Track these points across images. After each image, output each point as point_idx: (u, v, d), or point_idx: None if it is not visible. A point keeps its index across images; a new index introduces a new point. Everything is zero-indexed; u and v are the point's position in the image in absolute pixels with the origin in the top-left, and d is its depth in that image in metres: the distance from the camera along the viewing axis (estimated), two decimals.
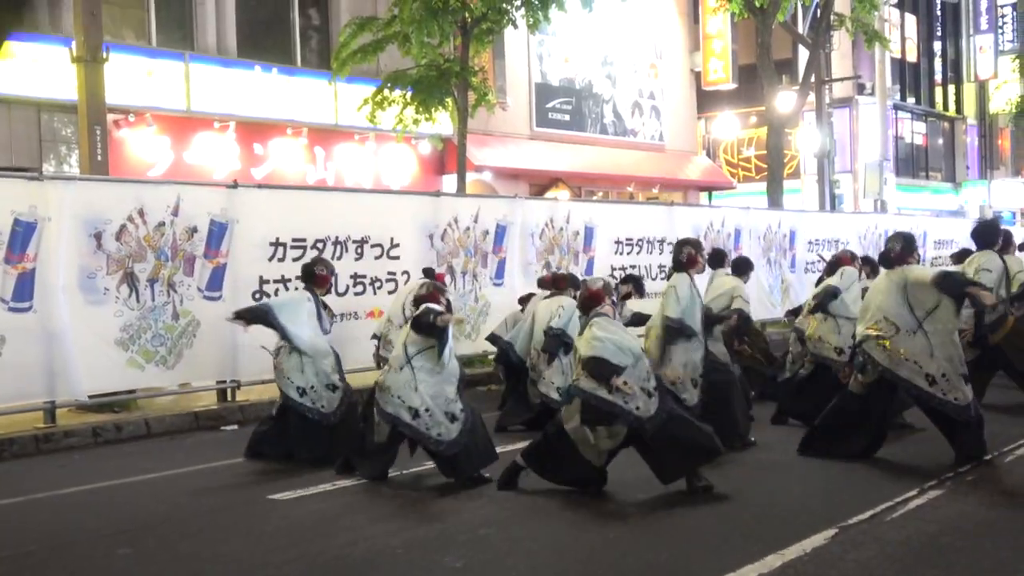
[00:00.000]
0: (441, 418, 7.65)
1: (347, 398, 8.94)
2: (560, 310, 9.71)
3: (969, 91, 42.95)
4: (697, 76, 31.68)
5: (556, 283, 10.33)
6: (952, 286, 7.78)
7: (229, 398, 11.32)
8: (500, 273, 13.97)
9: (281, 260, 11.48)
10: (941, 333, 7.84)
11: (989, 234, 10.72)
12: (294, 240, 11.60)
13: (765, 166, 24.90)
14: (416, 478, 8.00)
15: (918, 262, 8.52)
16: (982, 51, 42.12)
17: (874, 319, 8.08)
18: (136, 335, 10.28)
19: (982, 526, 6.35)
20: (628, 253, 15.92)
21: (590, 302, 7.49)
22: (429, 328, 7.69)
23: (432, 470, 7.98)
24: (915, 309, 7.92)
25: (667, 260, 16.72)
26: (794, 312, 12.09)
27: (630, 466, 7.38)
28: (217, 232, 10.91)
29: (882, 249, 8.61)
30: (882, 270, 8.50)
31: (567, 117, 26.96)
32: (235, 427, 10.72)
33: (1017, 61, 37.87)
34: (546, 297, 10.28)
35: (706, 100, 33.42)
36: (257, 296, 11.18)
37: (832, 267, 10.65)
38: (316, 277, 9.20)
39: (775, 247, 18.66)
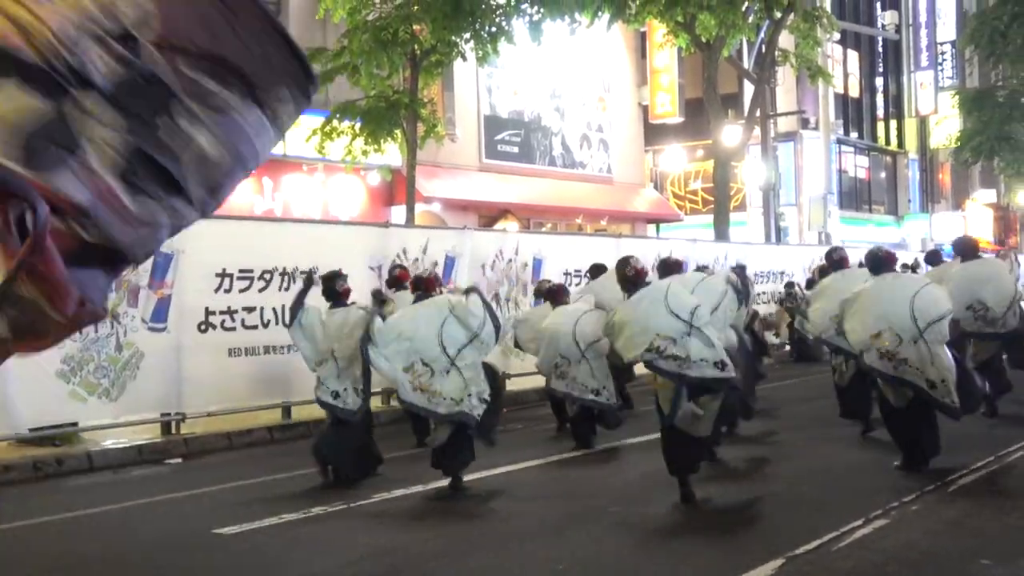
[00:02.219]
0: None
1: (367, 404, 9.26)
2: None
3: (910, 126, 43.72)
4: (645, 110, 31.98)
5: (555, 295, 11.15)
6: None
7: (173, 431, 11.17)
8: None
9: (228, 291, 11.38)
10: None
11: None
12: (241, 271, 11.51)
13: (712, 199, 25.14)
14: (369, 509, 7.92)
15: None
16: (923, 87, 42.94)
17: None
18: (78, 367, 10.11)
19: (927, 556, 6.40)
20: (577, 284, 15.96)
21: (638, 277, 8.03)
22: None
23: (385, 500, 7.91)
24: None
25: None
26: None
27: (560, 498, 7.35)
28: (162, 263, 10.80)
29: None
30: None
31: (516, 149, 27.08)
32: (179, 460, 10.57)
33: (956, 97, 38.61)
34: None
35: (653, 133, 33.71)
36: (203, 328, 11.05)
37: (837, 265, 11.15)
38: (341, 292, 9.44)
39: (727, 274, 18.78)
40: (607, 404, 10.34)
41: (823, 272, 11.96)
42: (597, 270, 12.40)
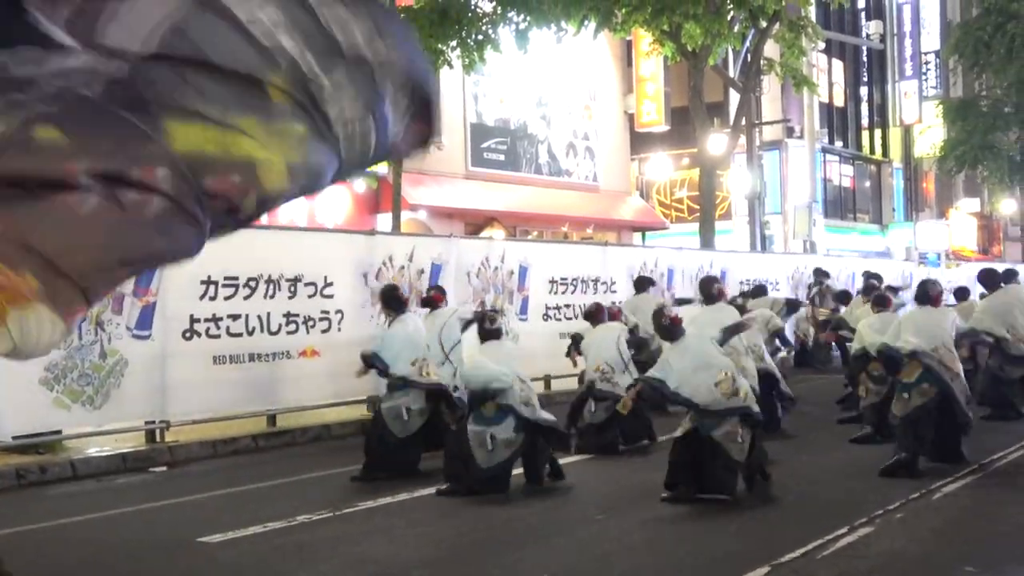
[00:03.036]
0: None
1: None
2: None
3: (895, 135, 43.92)
4: (630, 118, 32.05)
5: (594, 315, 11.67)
6: None
7: (158, 439, 11.11)
8: None
9: (212, 299, 11.34)
10: None
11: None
12: (226, 278, 11.47)
13: (697, 207, 25.22)
14: (353, 517, 7.90)
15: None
16: (907, 96, 43.15)
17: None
18: (62, 374, 10.06)
19: (913, 563, 6.43)
20: (562, 292, 16.00)
21: (674, 326, 8.59)
22: None
23: (370, 508, 7.89)
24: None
25: (601, 300, 16.85)
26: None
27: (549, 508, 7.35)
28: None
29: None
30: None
31: (502, 157, 27.10)
32: (164, 469, 10.52)
33: (940, 107, 38.83)
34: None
35: (639, 142, 33.79)
36: (188, 335, 11.02)
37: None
38: (403, 301, 10.16)
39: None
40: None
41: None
42: (641, 284, 13.96)
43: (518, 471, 9.12)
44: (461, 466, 8.64)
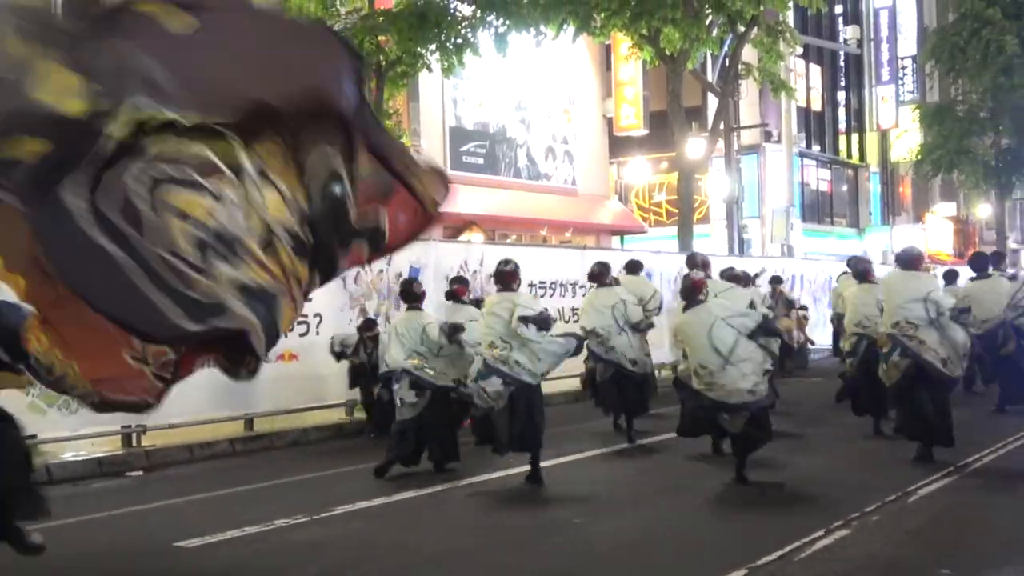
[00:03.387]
0: None
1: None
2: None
3: (872, 140, 44.15)
4: (609, 122, 32.13)
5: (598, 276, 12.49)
6: None
7: (134, 443, 11.05)
8: None
9: None
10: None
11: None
12: None
13: (676, 211, 25.29)
14: (332, 521, 7.88)
15: None
16: (884, 101, 43.39)
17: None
18: None
19: (889, 566, 6.46)
20: (542, 296, 16.00)
21: (694, 291, 8.95)
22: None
23: (349, 512, 7.88)
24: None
25: (580, 303, 16.87)
26: None
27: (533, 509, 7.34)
28: None
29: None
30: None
31: (481, 160, 27.11)
32: (140, 473, 10.46)
33: (917, 111, 39.06)
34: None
35: (618, 145, 33.87)
36: None
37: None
38: (420, 295, 10.36)
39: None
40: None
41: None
42: (633, 267, 14.40)
43: (517, 472, 9.12)
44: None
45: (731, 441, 9.19)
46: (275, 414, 12.44)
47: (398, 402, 9.71)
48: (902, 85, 43.76)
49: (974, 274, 14.11)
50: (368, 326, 12.47)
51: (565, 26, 19.93)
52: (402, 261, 13.76)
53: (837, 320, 15.27)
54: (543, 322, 8.94)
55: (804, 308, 20.89)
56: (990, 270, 14.05)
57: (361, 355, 12.24)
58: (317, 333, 12.58)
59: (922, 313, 9.57)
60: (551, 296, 16.18)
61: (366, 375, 12.21)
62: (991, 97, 35.39)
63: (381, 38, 16.48)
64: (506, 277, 9.46)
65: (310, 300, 12.37)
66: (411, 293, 10.35)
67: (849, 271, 13.69)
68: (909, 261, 10.10)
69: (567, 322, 15.89)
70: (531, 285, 15.78)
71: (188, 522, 7.97)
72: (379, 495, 8.73)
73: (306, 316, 12.47)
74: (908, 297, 9.65)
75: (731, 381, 8.60)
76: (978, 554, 6.73)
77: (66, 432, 10.62)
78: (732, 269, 12.91)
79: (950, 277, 16.15)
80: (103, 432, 10.99)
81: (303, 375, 12.32)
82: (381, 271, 13.49)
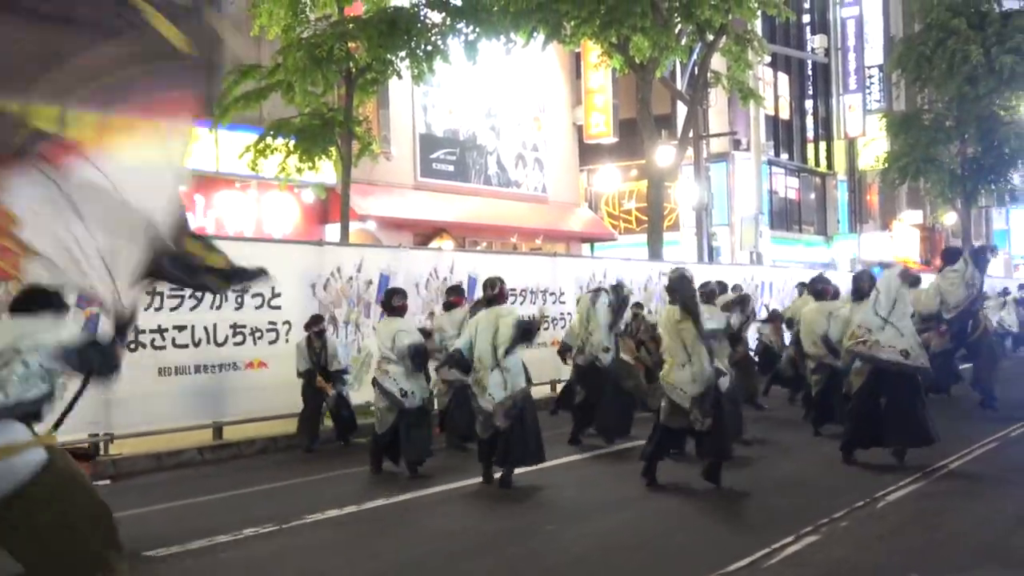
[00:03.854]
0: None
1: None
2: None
3: (839, 148, 44.49)
4: (579, 129, 32.20)
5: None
6: None
7: (102, 452, 10.95)
8: None
9: (158, 309, 11.21)
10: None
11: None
12: (171, 289, 11.31)
13: (645, 218, 25.32)
14: (300, 530, 7.84)
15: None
16: (851, 110, 43.76)
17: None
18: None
19: (857, 572, 6.49)
20: (512, 303, 15.97)
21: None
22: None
23: (318, 521, 7.84)
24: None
25: (550, 311, 16.88)
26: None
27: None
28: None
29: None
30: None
31: (451, 168, 27.09)
32: (107, 482, 10.35)
33: (884, 120, 39.40)
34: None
35: (588, 153, 33.94)
36: (132, 347, 10.87)
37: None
38: (396, 308, 10.31)
39: (655, 297, 18.96)
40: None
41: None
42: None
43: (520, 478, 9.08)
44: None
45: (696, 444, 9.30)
46: (244, 422, 12.35)
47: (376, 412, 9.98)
48: (869, 94, 44.15)
49: (947, 265, 14.47)
50: (315, 321, 12.20)
51: (535, 34, 19.96)
52: (372, 269, 13.74)
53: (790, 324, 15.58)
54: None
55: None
56: (959, 263, 14.33)
57: (310, 358, 12.03)
58: (287, 341, 12.51)
59: (872, 317, 9.99)
60: (521, 303, 16.17)
61: (312, 385, 12.02)
62: (956, 106, 35.74)
63: (351, 45, 16.43)
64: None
65: (278, 308, 12.37)
66: (389, 304, 10.42)
67: (807, 287, 14.45)
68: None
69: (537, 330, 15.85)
70: None
71: (156, 531, 7.89)
72: (349, 503, 8.69)
73: (275, 324, 12.40)
74: (859, 311, 10.34)
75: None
76: (947, 559, 6.77)
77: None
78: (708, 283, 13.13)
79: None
80: (70, 440, 10.85)
81: (273, 383, 12.25)
82: (351, 279, 13.45)
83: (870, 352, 9.97)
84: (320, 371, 12.01)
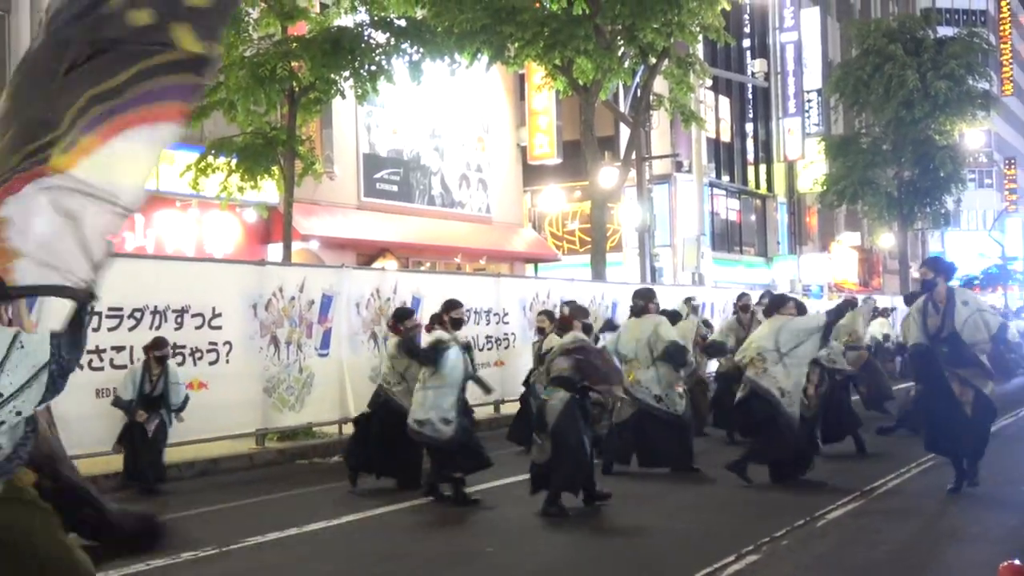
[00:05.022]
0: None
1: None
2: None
3: (779, 170, 45.10)
4: (523, 150, 32.33)
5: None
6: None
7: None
8: (326, 343, 13.79)
9: (96, 330, 11.00)
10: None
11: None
12: (110, 309, 11.16)
13: (589, 239, 25.45)
14: (240, 553, 7.73)
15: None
16: (790, 133, 44.40)
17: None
18: None
19: None
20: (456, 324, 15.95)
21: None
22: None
23: (268, 541, 7.75)
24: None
25: (494, 331, 16.89)
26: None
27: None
28: (27, 301, 10.37)
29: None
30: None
31: (395, 188, 27.05)
32: None
33: (822, 143, 40.06)
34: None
35: (532, 174, 34.05)
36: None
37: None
38: (395, 328, 11.00)
39: (600, 317, 19.03)
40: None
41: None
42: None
43: (426, 501, 9.03)
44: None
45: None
46: (183, 444, 12.17)
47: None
48: (808, 117, 44.83)
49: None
50: (158, 345, 11.01)
51: (479, 55, 20.02)
52: (315, 289, 13.65)
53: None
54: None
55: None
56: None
57: (141, 386, 10.80)
58: (227, 362, 12.37)
59: (767, 344, 10.31)
60: (464, 324, 16.12)
61: (136, 424, 10.71)
62: (893, 130, 36.46)
63: (294, 64, 16.35)
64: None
65: (219, 328, 12.23)
66: (392, 326, 11.21)
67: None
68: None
69: (480, 350, 15.86)
70: None
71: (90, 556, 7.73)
72: (289, 526, 8.59)
73: (215, 344, 12.26)
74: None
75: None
76: None
77: None
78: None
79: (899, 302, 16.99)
80: None
81: (213, 404, 12.09)
82: (293, 299, 13.34)
83: (755, 380, 10.28)
84: (147, 401, 10.81)
